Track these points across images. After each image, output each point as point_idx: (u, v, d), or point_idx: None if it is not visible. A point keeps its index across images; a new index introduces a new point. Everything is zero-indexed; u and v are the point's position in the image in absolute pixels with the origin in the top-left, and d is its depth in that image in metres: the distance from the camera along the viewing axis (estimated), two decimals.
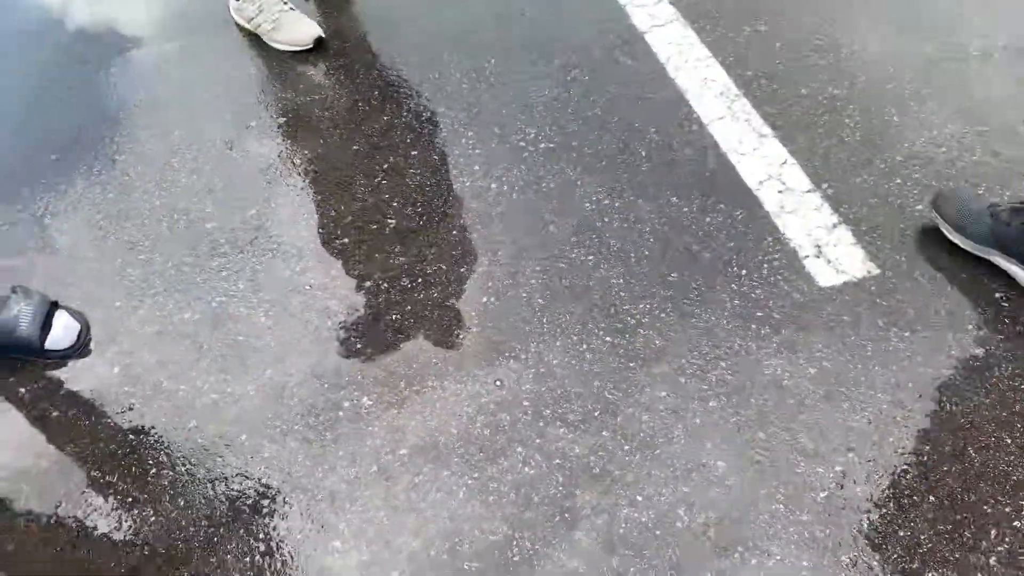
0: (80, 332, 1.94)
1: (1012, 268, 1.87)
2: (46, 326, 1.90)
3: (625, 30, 2.64)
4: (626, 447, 1.71)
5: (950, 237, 1.96)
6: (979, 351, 1.80)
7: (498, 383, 1.82)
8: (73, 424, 1.82)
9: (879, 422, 1.72)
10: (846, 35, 2.54)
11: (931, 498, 1.62)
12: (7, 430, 1.82)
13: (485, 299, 1.98)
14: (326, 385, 1.85)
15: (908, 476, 1.65)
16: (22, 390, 1.88)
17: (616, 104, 2.40)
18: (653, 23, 2.66)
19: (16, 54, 2.74)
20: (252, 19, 2.72)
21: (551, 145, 2.31)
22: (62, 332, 1.91)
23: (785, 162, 2.20)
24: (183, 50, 2.73)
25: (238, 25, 2.80)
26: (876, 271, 1.95)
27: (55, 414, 1.84)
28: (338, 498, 1.68)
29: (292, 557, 1.61)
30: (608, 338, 1.88)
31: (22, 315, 1.87)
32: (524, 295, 1.98)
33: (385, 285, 2.02)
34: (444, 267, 2.04)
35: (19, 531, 1.67)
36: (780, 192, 2.13)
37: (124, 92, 2.58)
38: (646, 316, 1.91)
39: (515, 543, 1.60)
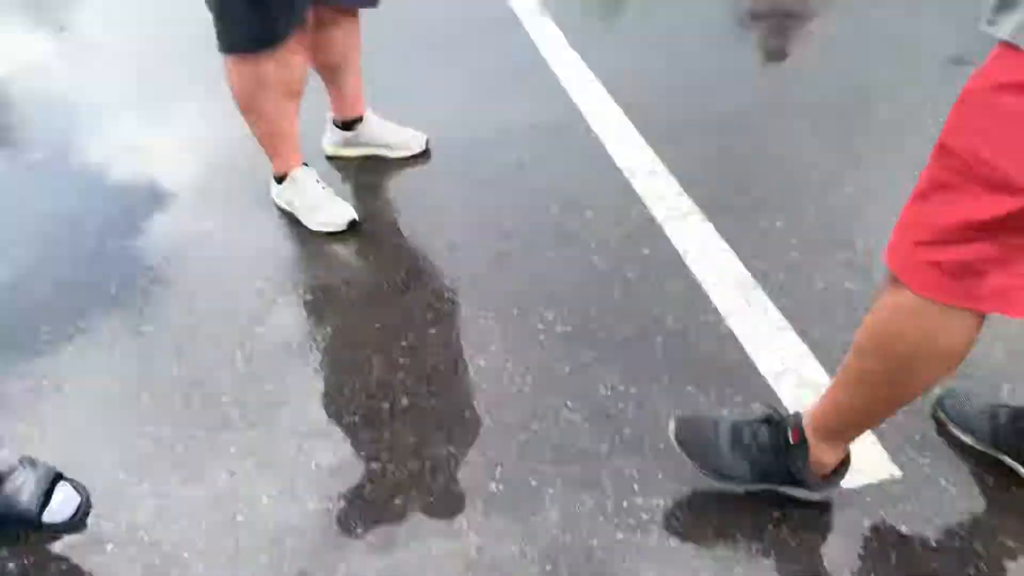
0: (79, 505, 1.90)
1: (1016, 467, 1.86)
2: (47, 498, 1.88)
3: (646, 221, 2.71)
4: None
5: (961, 437, 1.92)
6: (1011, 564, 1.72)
7: None
8: None
9: None
10: (862, 232, 2.58)
11: None
12: None
13: (492, 487, 1.93)
14: (319, 573, 1.79)
15: None
16: (11, 565, 1.85)
17: (634, 292, 2.42)
18: (670, 215, 2.72)
19: (50, 223, 2.84)
20: (291, 202, 2.83)
21: (568, 328, 2.32)
22: (60, 505, 1.87)
23: (802, 355, 2.18)
24: (220, 225, 2.82)
25: (278, 207, 2.90)
26: (898, 473, 1.89)
27: None
28: None
29: None
30: (620, 535, 1.81)
31: (24, 487, 1.86)
32: (534, 483, 1.93)
33: (392, 467, 1.98)
34: (453, 450, 2.01)
35: None
36: (797, 386, 2.09)
37: (158, 263, 2.65)
38: (659, 513, 1.85)
39: None
